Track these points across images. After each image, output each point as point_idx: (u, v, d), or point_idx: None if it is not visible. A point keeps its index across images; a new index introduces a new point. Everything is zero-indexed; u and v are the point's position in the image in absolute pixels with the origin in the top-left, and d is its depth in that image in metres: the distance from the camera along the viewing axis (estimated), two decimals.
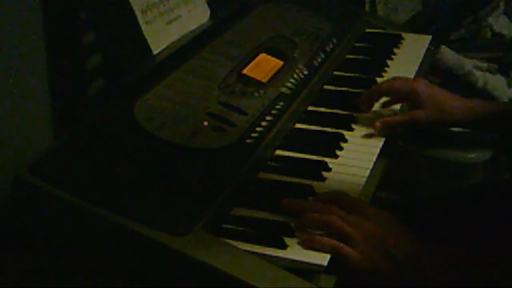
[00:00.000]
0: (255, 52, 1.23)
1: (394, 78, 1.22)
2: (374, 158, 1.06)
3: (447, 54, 1.86)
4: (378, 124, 1.12)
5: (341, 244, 0.84)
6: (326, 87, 1.29)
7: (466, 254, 0.86)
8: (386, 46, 1.46)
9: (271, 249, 0.84)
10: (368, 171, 1.03)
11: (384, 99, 1.21)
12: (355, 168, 1.03)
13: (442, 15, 2.14)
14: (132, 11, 1.09)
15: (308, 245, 0.85)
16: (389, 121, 1.14)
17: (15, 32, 0.98)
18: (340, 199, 0.91)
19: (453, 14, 2.15)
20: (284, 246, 0.84)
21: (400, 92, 1.18)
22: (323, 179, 1.00)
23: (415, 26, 1.92)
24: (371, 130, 1.13)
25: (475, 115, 1.17)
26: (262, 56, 1.23)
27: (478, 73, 1.89)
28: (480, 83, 1.87)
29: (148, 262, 0.84)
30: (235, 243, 0.84)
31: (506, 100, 1.71)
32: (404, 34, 1.52)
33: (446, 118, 1.16)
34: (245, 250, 0.83)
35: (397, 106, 1.21)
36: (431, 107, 1.15)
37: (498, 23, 2.11)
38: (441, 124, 1.19)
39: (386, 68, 1.37)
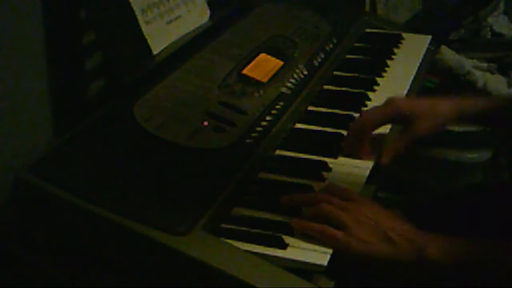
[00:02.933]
0: (255, 52, 1.23)
1: (367, 112, 1.13)
2: (374, 158, 1.06)
3: (447, 54, 1.86)
4: (385, 160, 1.06)
5: (330, 228, 0.85)
6: (326, 87, 1.29)
7: (470, 240, 0.87)
8: (386, 46, 1.46)
9: (271, 249, 0.84)
10: (368, 171, 1.03)
11: None
12: (355, 168, 1.03)
13: (442, 15, 2.14)
14: (132, 11, 1.09)
15: (298, 231, 0.86)
16: (393, 150, 1.08)
17: (15, 32, 0.98)
18: (333, 190, 0.92)
19: (453, 14, 2.15)
20: (284, 246, 0.84)
21: (387, 119, 1.10)
22: (323, 179, 1.00)
23: (415, 26, 1.92)
24: None
25: (467, 113, 1.12)
26: (262, 56, 1.23)
27: (478, 73, 1.89)
28: (480, 83, 1.87)
29: (148, 262, 0.84)
30: (235, 243, 0.84)
31: None
32: (404, 34, 1.52)
33: (441, 122, 1.11)
34: (245, 250, 0.83)
35: (387, 129, 1.12)
36: (424, 118, 1.09)
37: (498, 23, 2.11)
38: (439, 130, 1.12)
39: (386, 68, 1.37)
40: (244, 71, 1.17)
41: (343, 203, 0.89)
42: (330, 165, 1.03)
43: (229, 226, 0.89)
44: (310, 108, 1.21)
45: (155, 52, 1.12)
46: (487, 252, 0.86)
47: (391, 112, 1.08)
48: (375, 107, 1.11)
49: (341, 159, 1.05)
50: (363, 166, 1.04)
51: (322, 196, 0.91)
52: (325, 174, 1.01)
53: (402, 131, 1.10)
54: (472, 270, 0.85)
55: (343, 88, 1.28)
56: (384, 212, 0.90)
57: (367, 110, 1.14)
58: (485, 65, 1.93)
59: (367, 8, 1.90)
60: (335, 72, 1.34)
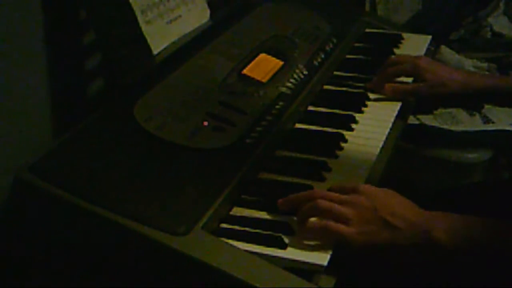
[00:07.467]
0: (255, 52, 1.23)
1: (398, 58, 1.33)
2: (374, 158, 1.06)
3: (447, 54, 1.86)
4: (388, 88, 1.24)
5: (331, 222, 0.85)
6: (326, 87, 1.29)
7: (479, 219, 0.85)
8: (386, 46, 1.46)
9: (271, 249, 0.84)
10: (368, 171, 1.03)
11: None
12: (355, 168, 1.03)
13: (442, 15, 2.14)
14: (132, 11, 1.09)
15: (302, 233, 0.85)
16: (398, 87, 1.25)
17: (15, 32, 0.98)
18: (332, 188, 0.92)
19: (453, 14, 2.15)
20: (284, 246, 0.84)
21: (405, 70, 1.27)
22: (323, 179, 1.00)
23: (415, 26, 1.91)
24: (371, 130, 1.14)
25: (471, 88, 1.22)
26: (262, 56, 1.23)
27: None
28: None
29: (148, 262, 0.84)
30: (235, 243, 0.84)
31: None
32: (404, 34, 1.52)
33: (445, 91, 1.22)
34: (245, 250, 0.83)
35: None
36: (433, 81, 1.23)
37: (498, 23, 2.11)
38: (441, 97, 1.25)
39: None
40: (244, 71, 1.17)
41: (340, 196, 0.88)
42: (330, 165, 1.03)
43: (229, 226, 0.89)
44: (310, 108, 1.21)
45: (155, 52, 1.13)
46: (497, 230, 0.84)
47: (409, 68, 1.26)
48: (404, 57, 1.31)
49: (341, 159, 1.05)
50: (363, 166, 1.04)
51: (317, 192, 0.90)
52: (325, 174, 1.01)
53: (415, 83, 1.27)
54: (482, 251, 0.83)
55: (343, 88, 1.28)
56: (382, 196, 0.88)
57: (396, 57, 1.37)
58: (485, 65, 1.93)
59: (367, 8, 1.90)
60: (335, 72, 1.34)
